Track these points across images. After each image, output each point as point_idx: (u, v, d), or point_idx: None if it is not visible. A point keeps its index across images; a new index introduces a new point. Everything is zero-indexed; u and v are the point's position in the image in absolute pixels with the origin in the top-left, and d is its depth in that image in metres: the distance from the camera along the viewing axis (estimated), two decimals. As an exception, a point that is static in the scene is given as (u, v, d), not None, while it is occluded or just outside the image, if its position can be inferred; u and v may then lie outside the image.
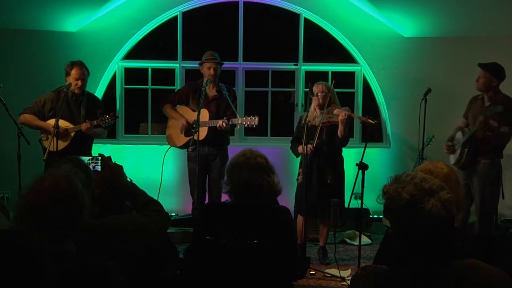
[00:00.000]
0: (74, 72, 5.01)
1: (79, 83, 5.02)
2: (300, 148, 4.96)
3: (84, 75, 5.05)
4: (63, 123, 4.98)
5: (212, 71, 5.25)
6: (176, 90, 6.15)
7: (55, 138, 4.76)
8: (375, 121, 4.76)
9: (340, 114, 4.79)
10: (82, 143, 5.04)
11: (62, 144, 4.96)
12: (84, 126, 4.94)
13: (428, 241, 1.71)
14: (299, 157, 5.08)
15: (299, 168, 5.04)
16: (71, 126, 5.02)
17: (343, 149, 5.11)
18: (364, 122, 4.84)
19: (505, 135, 4.85)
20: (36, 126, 5.05)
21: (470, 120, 5.08)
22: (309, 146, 4.80)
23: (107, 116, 5.00)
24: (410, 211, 1.70)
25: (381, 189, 1.80)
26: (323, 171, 4.92)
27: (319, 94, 4.95)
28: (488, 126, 4.81)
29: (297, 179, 5.02)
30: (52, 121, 4.92)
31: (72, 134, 5.01)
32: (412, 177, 1.76)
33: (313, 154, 4.85)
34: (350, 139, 6.52)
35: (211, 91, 5.33)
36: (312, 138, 4.86)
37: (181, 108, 5.45)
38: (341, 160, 5.08)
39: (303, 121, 4.92)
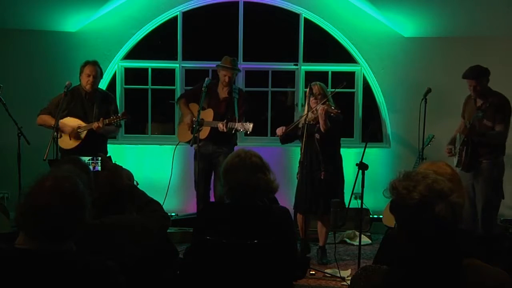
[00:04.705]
0: (86, 68, 5.13)
1: (91, 79, 5.11)
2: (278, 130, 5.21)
3: (95, 72, 5.14)
4: (76, 122, 5.08)
5: (226, 79, 5.40)
6: (191, 88, 6.23)
7: (56, 138, 4.81)
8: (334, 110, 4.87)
9: (319, 109, 4.88)
10: (95, 142, 5.08)
11: (74, 143, 5.07)
12: (95, 125, 5.02)
13: (434, 242, 1.70)
14: (299, 156, 5.11)
15: (299, 167, 5.08)
16: (84, 124, 5.10)
17: (343, 148, 5.14)
18: (331, 113, 4.91)
19: (501, 134, 4.89)
20: (51, 126, 5.04)
21: (466, 120, 5.14)
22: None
23: (119, 115, 5.09)
24: (419, 211, 1.69)
25: (389, 184, 1.77)
26: (316, 167, 4.96)
27: (316, 95, 5.02)
28: (482, 129, 4.88)
29: (297, 177, 5.09)
30: (66, 120, 5.06)
31: (84, 133, 5.08)
32: (424, 176, 1.73)
33: (307, 152, 4.91)
34: (350, 139, 6.59)
35: (223, 93, 5.47)
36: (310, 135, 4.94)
37: (193, 105, 5.54)
38: (338, 158, 5.11)
39: (301, 121, 5.01)
